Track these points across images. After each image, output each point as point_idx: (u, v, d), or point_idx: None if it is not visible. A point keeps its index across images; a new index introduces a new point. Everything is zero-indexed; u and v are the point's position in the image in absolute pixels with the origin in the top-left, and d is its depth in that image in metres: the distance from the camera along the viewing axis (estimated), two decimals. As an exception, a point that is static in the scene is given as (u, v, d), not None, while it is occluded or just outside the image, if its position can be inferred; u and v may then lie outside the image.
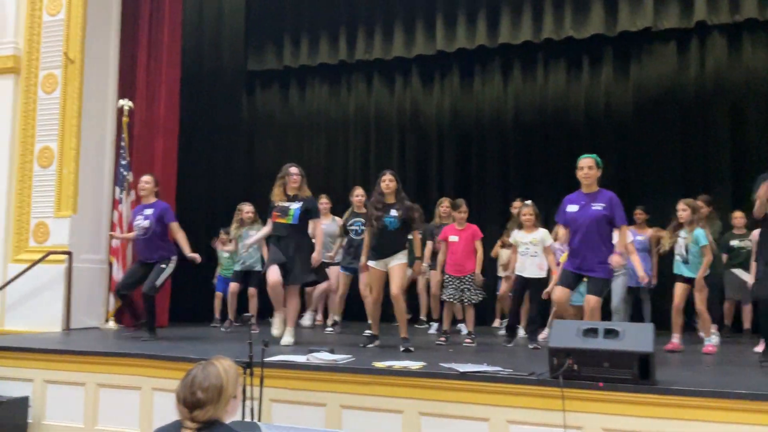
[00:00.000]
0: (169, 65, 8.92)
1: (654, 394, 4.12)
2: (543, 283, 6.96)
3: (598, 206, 5.62)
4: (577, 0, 9.65)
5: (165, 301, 8.35)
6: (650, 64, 9.87)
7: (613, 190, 5.84)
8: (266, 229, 6.90)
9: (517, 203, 8.20)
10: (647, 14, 9.30)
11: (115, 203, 8.40)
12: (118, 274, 8.20)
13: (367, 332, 6.63)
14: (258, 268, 8.08)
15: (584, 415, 4.22)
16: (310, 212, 6.71)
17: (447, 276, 7.09)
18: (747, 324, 8.27)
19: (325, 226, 7.60)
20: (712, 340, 6.49)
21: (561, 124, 10.20)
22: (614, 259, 5.61)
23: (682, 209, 6.47)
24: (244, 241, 7.97)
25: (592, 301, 5.55)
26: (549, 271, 6.97)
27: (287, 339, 6.49)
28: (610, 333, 4.30)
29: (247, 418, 4.28)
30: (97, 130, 8.39)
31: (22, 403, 5.77)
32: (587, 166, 5.71)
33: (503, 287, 8.31)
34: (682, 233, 6.50)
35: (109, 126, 8.56)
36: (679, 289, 6.46)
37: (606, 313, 6.90)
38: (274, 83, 11.91)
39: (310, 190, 6.88)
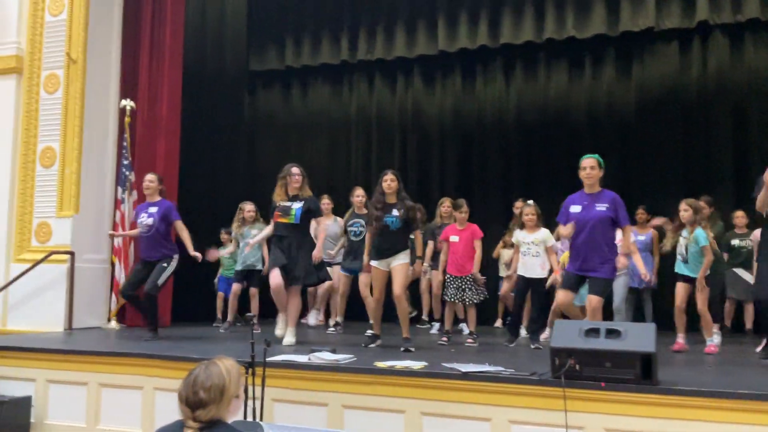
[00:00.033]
0: (171, 65, 8.92)
1: (656, 394, 4.12)
2: (545, 283, 6.97)
3: (601, 207, 5.62)
4: (579, 0, 9.65)
5: (167, 301, 8.36)
6: (652, 64, 9.87)
7: (614, 190, 5.84)
8: (268, 229, 6.91)
9: (519, 203, 8.20)
10: (649, 14, 9.29)
11: (117, 203, 8.41)
12: (121, 274, 8.22)
13: (369, 332, 6.64)
14: (259, 267, 8.09)
15: (586, 415, 4.22)
16: (312, 212, 6.73)
17: (448, 276, 7.09)
18: (749, 324, 8.26)
19: (326, 227, 7.61)
20: (714, 340, 6.49)
21: (563, 124, 10.19)
22: (621, 261, 5.67)
23: (684, 209, 6.47)
24: (246, 240, 7.98)
25: (593, 301, 5.55)
26: (551, 271, 6.97)
27: (289, 339, 6.50)
28: (612, 333, 4.30)
29: (249, 418, 4.28)
30: (100, 130, 8.41)
31: (25, 403, 5.78)
32: (590, 166, 5.70)
33: (505, 287, 8.31)
34: (684, 233, 6.50)
35: (111, 126, 8.59)
36: (681, 289, 6.46)
37: (607, 314, 6.89)
38: (275, 83, 11.92)
39: (312, 190, 6.89)
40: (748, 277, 7.86)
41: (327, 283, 8.00)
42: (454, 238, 7.08)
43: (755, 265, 6.46)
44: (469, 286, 6.92)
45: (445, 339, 6.93)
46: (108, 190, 8.52)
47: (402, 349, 6.05)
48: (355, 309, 8.51)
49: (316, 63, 11.23)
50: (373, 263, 6.45)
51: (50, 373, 5.86)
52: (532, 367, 4.73)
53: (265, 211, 7.52)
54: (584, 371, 4.25)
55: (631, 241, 6.80)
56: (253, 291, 8.31)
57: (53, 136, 8.10)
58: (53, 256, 7.80)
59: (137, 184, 8.43)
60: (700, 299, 6.33)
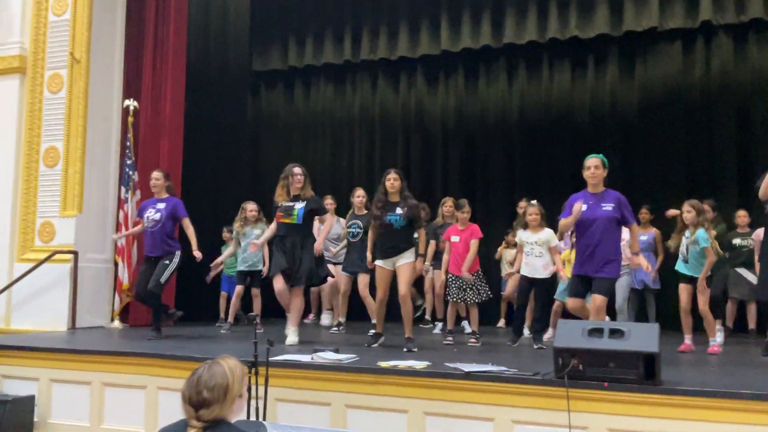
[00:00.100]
0: (175, 65, 8.94)
1: (659, 395, 4.11)
2: (548, 283, 6.96)
3: (607, 206, 5.64)
4: (582, 0, 9.64)
5: (170, 301, 8.34)
6: (655, 64, 9.85)
7: (617, 190, 5.85)
8: (272, 229, 6.92)
9: (522, 203, 8.19)
10: (652, 14, 9.28)
11: (121, 203, 8.42)
12: (124, 274, 8.24)
13: (371, 332, 6.64)
14: (260, 267, 8.09)
15: (589, 415, 4.22)
16: (315, 211, 6.75)
17: (450, 276, 7.09)
18: (752, 324, 8.25)
19: (332, 222, 7.63)
20: (716, 339, 6.49)
21: (566, 123, 10.19)
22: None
23: (687, 211, 6.48)
24: (248, 240, 8.01)
25: (598, 300, 5.56)
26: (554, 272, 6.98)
27: (292, 339, 6.50)
28: (616, 333, 4.29)
29: (252, 418, 4.28)
30: (103, 130, 8.42)
31: (28, 402, 5.79)
32: (594, 165, 5.71)
33: (510, 287, 8.31)
34: (687, 233, 6.50)
35: (114, 126, 8.60)
36: (683, 290, 6.46)
37: (610, 314, 6.89)
38: (278, 83, 11.93)
39: (314, 190, 6.90)
40: (751, 277, 7.85)
41: (331, 282, 8.02)
42: (455, 238, 7.08)
43: (757, 264, 6.46)
44: (471, 286, 6.92)
45: (450, 339, 6.92)
46: (111, 190, 8.53)
47: (405, 349, 6.05)
48: (356, 309, 8.51)
49: (319, 63, 11.24)
50: (378, 263, 6.45)
51: (53, 372, 5.87)
52: (536, 367, 4.73)
53: (268, 210, 7.52)
54: (587, 371, 4.24)
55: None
56: (255, 291, 8.32)
57: (57, 135, 8.11)
58: (56, 256, 7.81)
59: (140, 184, 8.45)
60: (701, 300, 6.33)
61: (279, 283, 6.53)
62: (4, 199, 8.25)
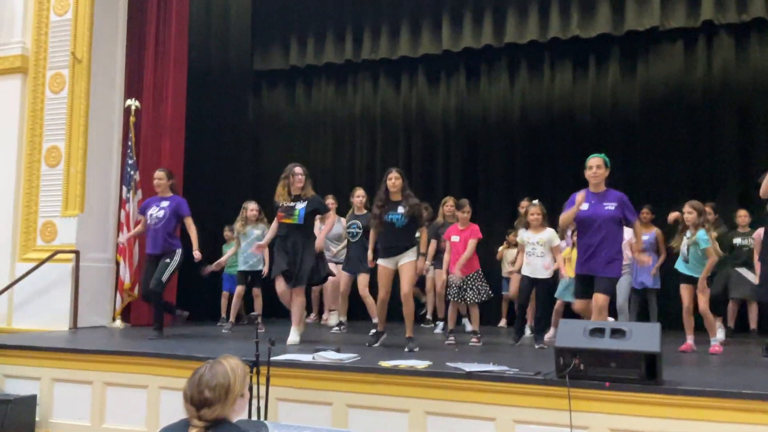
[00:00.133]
0: (176, 65, 8.95)
1: (661, 394, 4.11)
2: (549, 283, 6.96)
3: (609, 206, 5.65)
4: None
5: (172, 300, 8.37)
6: (657, 64, 9.85)
7: (619, 190, 5.86)
8: (274, 229, 6.93)
9: (524, 202, 8.19)
10: (654, 14, 9.27)
11: (122, 202, 8.43)
12: (125, 273, 8.24)
13: (373, 330, 6.64)
14: (260, 267, 8.09)
15: (591, 415, 4.22)
16: (316, 211, 6.76)
17: (450, 275, 7.09)
18: (753, 324, 8.24)
19: (334, 221, 7.64)
20: (717, 339, 6.49)
21: (567, 123, 10.18)
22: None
23: (688, 212, 6.48)
24: (249, 239, 8.03)
25: (600, 299, 5.56)
26: (556, 271, 6.98)
27: (293, 338, 6.51)
28: (617, 333, 4.29)
29: (254, 417, 4.29)
30: (105, 130, 8.42)
31: (30, 402, 5.79)
32: (596, 165, 5.72)
33: (512, 287, 8.30)
34: (687, 233, 6.51)
35: (116, 125, 8.60)
36: (685, 290, 6.46)
37: (611, 313, 6.90)
38: (280, 83, 11.92)
39: (316, 190, 6.91)
40: (752, 277, 7.85)
41: (333, 281, 8.02)
42: (455, 238, 7.08)
43: (758, 265, 6.45)
44: (471, 286, 6.92)
45: (452, 339, 6.91)
46: (113, 190, 8.54)
47: (406, 349, 6.04)
48: (358, 309, 8.52)
49: (321, 62, 11.24)
50: (380, 262, 6.45)
51: (55, 371, 5.87)
52: (537, 367, 4.73)
53: (269, 210, 7.52)
54: (589, 371, 4.24)
55: (635, 241, 6.82)
56: (257, 291, 8.33)
57: (58, 135, 8.12)
58: (58, 255, 7.82)
59: (142, 184, 8.45)
60: (702, 300, 6.34)
61: (280, 285, 6.61)
62: (6, 198, 8.25)
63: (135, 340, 6.75)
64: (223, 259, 8.46)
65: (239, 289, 8.14)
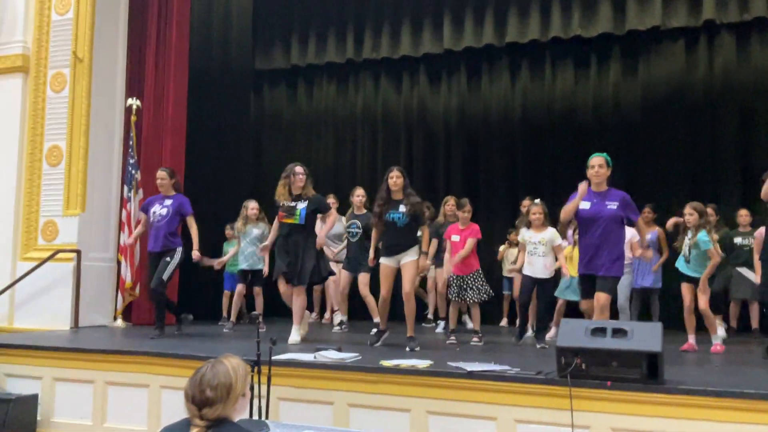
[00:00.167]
0: (177, 64, 8.94)
1: (662, 394, 4.11)
2: (551, 283, 6.96)
3: (612, 205, 5.66)
4: (585, -2, 9.64)
5: (173, 299, 8.36)
6: (658, 63, 9.84)
7: (620, 189, 5.85)
8: (276, 229, 6.94)
9: (526, 202, 8.18)
10: (655, 13, 9.26)
11: (124, 202, 8.43)
12: (127, 273, 8.24)
13: (374, 330, 6.64)
14: (260, 266, 8.09)
15: (592, 415, 4.22)
16: (318, 210, 6.77)
17: (450, 275, 7.09)
18: (755, 323, 8.23)
19: (335, 219, 7.65)
20: (718, 337, 6.49)
21: (568, 122, 10.18)
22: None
23: (689, 213, 6.48)
24: (249, 238, 8.06)
25: (602, 298, 5.57)
26: (558, 269, 6.98)
27: (294, 337, 6.51)
28: (619, 332, 4.29)
29: (255, 417, 4.29)
30: (106, 129, 8.42)
31: (32, 401, 5.80)
32: (598, 164, 5.73)
33: (516, 288, 8.29)
34: (689, 233, 6.51)
35: (117, 124, 8.60)
36: (686, 290, 6.46)
37: (612, 313, 6.90)
38: (281, 82, 11.93)
39: (317, 189, 6.92)
40: (752, 276, 7.83)
41: (335, 281, 8.03)
42: (455, 238, 7.08)
43: (758, 264, 6.44)
44: (471, 286, 6.91)
45: (453, 338, 6.90)
46: (114, 189, 8.54)
47: (407, 348, 6.04)
48: (359, 308, 8.52)
49: (322, 62, 11.24)
50: (383, 260, 6.45)
51: (57, 371, 5.88)
52: (538, 366, 4.73)
53: (270, 208, 7.51)
54: (590, 370, 4.24)
55: (636, 240, 6.83)
56: (257, 290, 8.34)
57: (60, 134, 8.12)
58: (59, 255, 7.82)
59: (143, 183, 8.45)
60: (702, 299, 6.33)
61: (282, 286, 6.71)
62: (7, 197, 8.25)
63: (136, 340, 6.75)
64: (225, 258, 8.47)
65: (239, 288, 8.14)
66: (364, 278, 7.69)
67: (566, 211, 5.85)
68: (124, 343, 6.68)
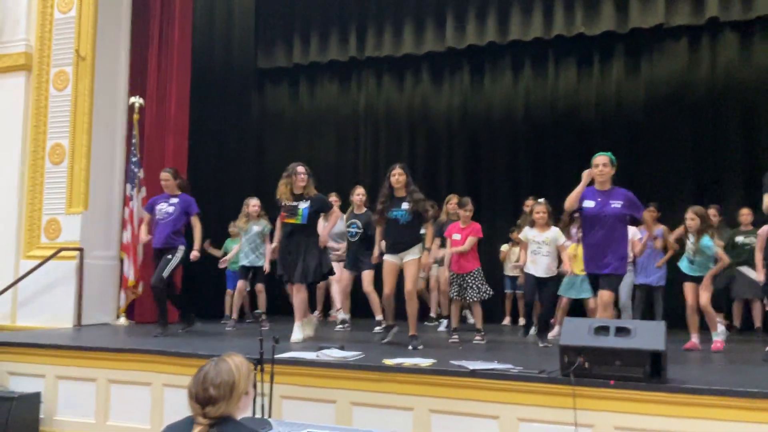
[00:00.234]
0: (180, 63, 8.94)
1: (665, 393, 4.11)
2: (554, 282, 6.95)
3: (616, 204, 5.66)
4: (588, -3, 9.62)
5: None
6: (661, 61, 9.82)
7: (624, 187, 5.84)
8: (279, 228, 6.96)
9: (529, 201, 8.18)
10: (658, 11, 9.23)
11: (126, 200, 8.43)
12: (129, 271, 8.24)
13: (380, 327, 6.63)
14: (261, 263, 8.09)
15: (595, 413, 4.21)
16: (320, 210, 6.77)
17: (451, 274, 7.09)
18: (758, 322, 8.22)
19: (338, 216, 7.65)
20: (718, 334, 6.49)
21: (571, 121, 10.15)
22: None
23: (691, 218, 6.47)
24: (250, 235, 8.10)
25: (605, 296, 5.58)
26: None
27: (296, 335, 6.50)
28: (622, 331, 4.29)
29: (258, 415, 4.29)
30: (108, 127, 8.43)
31: (34, 399, 5.81)
32: (602, 163, 5.73)
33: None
34: (691, 237, 6.51)
35: (119, 123, 8.61)
36: (689, 289, 6.46)
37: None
38: (283, 80, 11.91)
39: (320, 187, 6.91)
40: (754, 275, 7.81)
41: (337, 280, 8.03)
42: (456, 236, 7.07)
43: (760, 263, 6.43)
44: (471, 284, 6.90)
45: (455, 337, 6.89)
46: (117, 187, 8.55)
47: (410, 346, 6.04)
48: (362, 307, 8.52)
49: (324, 60, 11.21)
50: (387, 257, 6.43)
51: (59, 369, 5.89)
52: (541, 365, 4.72)
53: (272, 207, 7.51)
54: (593, 369, 4.24)
55: (637, 238, 6.84)
56: (260, 287, 8.35)
57: (62, 132, 8.13)
58: (62, 253, 7.83)
59: (146, 181, 8.46)
60: (704, 296, 6.33)
61: (289, 287, 6.77)
62: (10, 196, 8.26)
63: (139, 338, 6.75)
64: (229, 255, 8.48)
65: (240, 284, 8.15)
66: (368, 275, 7.68)
67: (570, 200, 5.84)
68: (126, 341, 6.68)
